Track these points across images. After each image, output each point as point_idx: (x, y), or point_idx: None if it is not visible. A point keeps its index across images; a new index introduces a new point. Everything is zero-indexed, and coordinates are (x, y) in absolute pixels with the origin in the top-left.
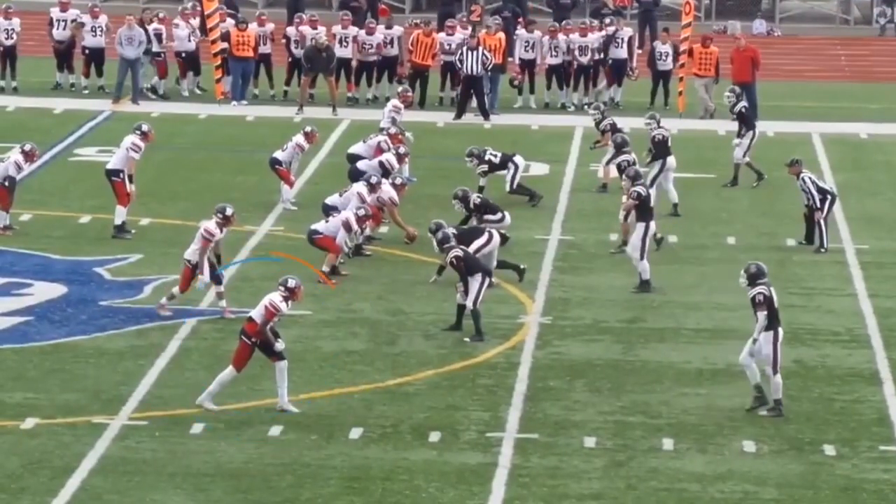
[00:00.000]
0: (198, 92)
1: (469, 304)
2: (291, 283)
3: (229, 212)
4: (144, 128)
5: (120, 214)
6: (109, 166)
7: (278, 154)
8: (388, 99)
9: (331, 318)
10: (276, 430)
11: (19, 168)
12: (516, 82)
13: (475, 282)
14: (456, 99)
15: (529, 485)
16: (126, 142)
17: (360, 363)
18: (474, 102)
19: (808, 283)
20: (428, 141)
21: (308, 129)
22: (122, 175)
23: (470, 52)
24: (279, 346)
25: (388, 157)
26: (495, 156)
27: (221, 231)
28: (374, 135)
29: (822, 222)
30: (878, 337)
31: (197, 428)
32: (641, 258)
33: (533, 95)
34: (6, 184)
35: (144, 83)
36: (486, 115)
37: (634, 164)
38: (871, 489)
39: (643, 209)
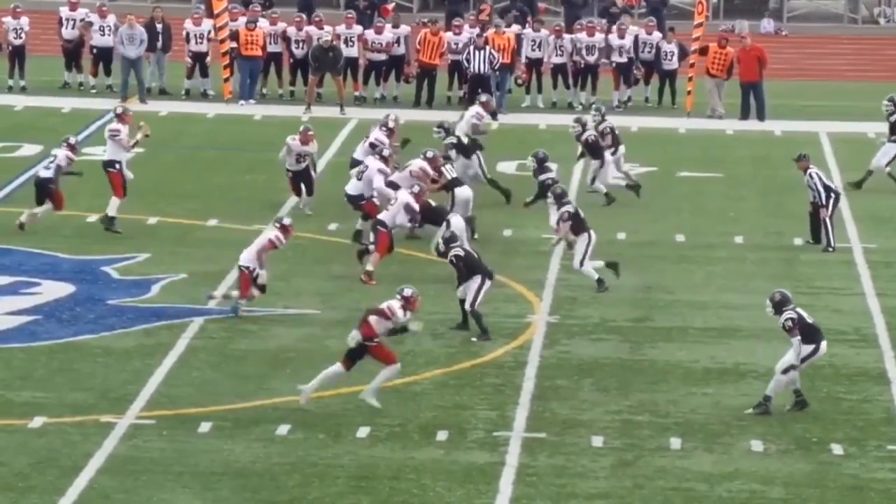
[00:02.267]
0: (211, 93)
1: (467, 306)
2: (408, 291)
3: (287, 222)
4: (119, 110)
5: (114, 206)
6: (105, 158)
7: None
8: (395, 98)
9: (340, 317)
10: (283, 429)
11: (70, 161)
12: (520, 81)
13: (474, 283)
14: (464, 98)
15: (537, 484)
16: (106, 132)
17: (368, 362)
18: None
19: (816, 283)
20: (435, 140)
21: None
22: (118, 166)
23: (477, 52)
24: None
25: (378, 135)
26: (462, 140)
27: (286, 240)
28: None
29: (827, 221)
30: (885, 336)
31: (204, 427)
32: (581, 266)
33: (541, 95)
34: (54, 186)
35: (153, 82)
36: (493, 115)
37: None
38: (879, 488)
39: (578, 224)
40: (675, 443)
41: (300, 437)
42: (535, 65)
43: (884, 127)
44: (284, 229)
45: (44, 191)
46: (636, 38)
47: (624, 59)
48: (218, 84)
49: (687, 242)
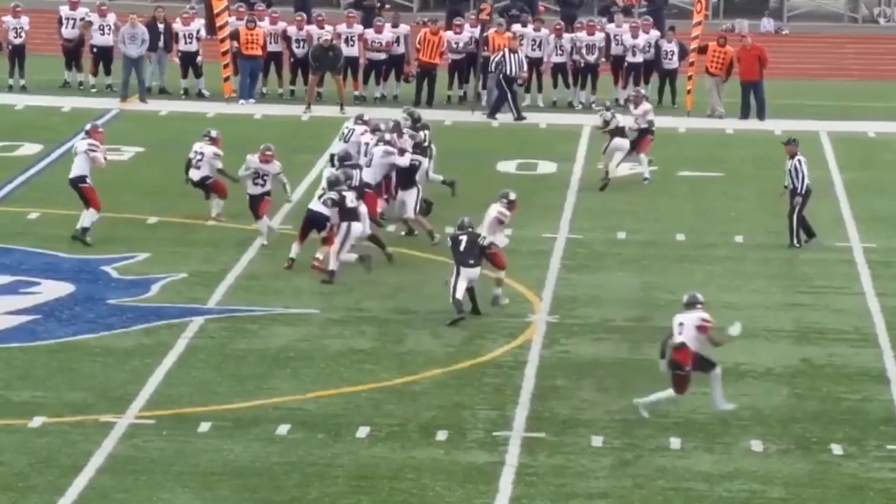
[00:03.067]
0: (206, 93)
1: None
2: (697, 296)
3: (513, 196)
4: (87, 127)
5: (90, 217)
6: (72, 175)
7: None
8: (395, 97)
9: (338, 317)
10: (283, 429)
11: (217, 156)
12: (520, 81)
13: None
14: (473, 96)
15: (536, 483)
16: (82, 146)
17: (368, 362)
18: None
19: (817, 282)
20: (437, 139)
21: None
22: (88, 180)
23: (511, 55)
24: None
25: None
26: (425, 141)
27: (510, 213)
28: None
29: (794, 218)
30: (885, 336)
31: (204, 427)
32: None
33: (541, 94)
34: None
35: (154, 81)
36: (491, 115)
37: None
38: (878, 488)
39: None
40: (675, 442)
41: (300, 436)
42: (535, 64)
43: (882, 127)
44: (511, 204)
45: (206, 188)
46: (607, 36)
47: (639, 59)
48: (214, 83)
49: (687, 242)
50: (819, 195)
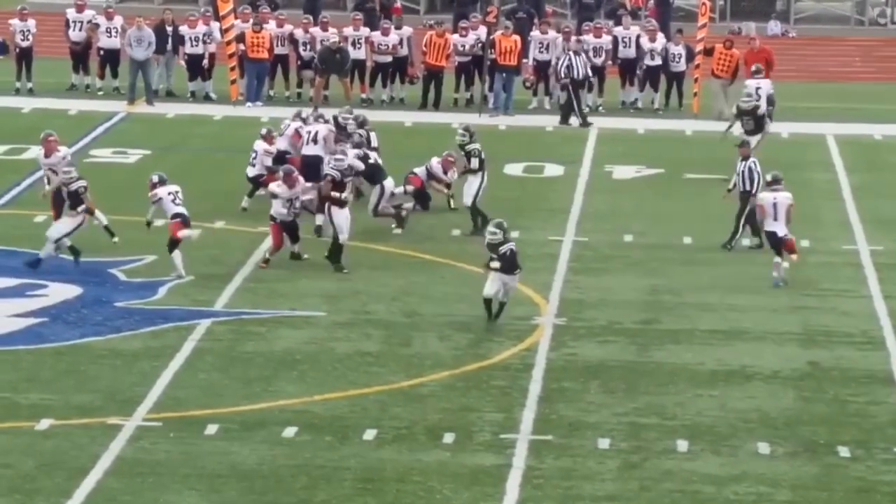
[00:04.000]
0: (213, 96)
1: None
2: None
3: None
4: (42, 135)
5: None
6: (51, 188)
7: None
8: (402, 100)
9: (345, 320)
10: (290, 432)
11: (269, 154)
12: (528, 84)
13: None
14: (479, 99)
15: (543, 486)
16: (51, 162)
17: (375, 364)
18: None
19: (823, 285)
20: (442, 141)
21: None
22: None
23: (576, 57)
24: None
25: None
26: (374, 160)
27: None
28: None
29: (741, 221)
30: (893, 338)
31: (211, 429)
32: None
33: (548, 97)
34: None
35: (161, 84)
36: (584, 121)
37: None
38: (886, 491)
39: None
40: (682, 445)
41: (307, 439)
42: (542, 67)
43: (889, 129)
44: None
45: (257, 185)
46: (615, 39)
47: (657, 62)
48: (221, 86)
49: (694, 245)
50: (826, 197)
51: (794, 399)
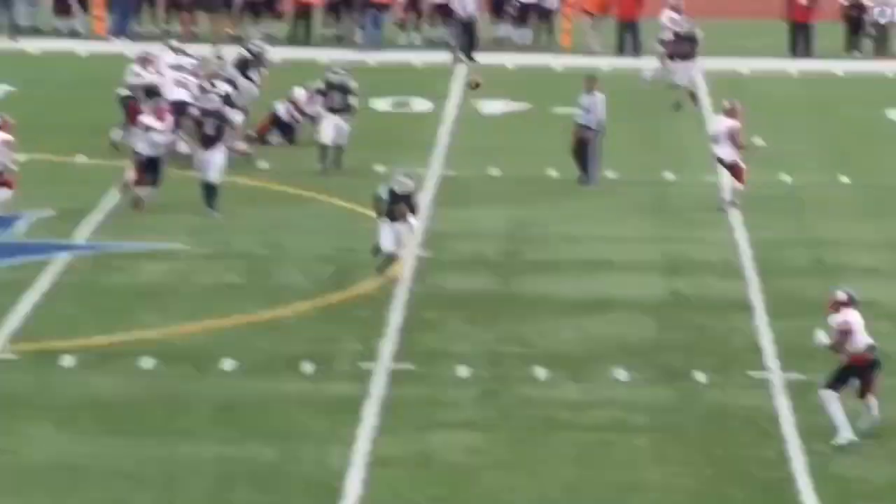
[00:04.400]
0: (80, 31)
1: None
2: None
3: None
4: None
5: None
6: None
7: None
8: (270, 36)
9: (207, 253)
10: (149, 363)
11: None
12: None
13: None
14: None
15: (402, 414)
16: None
17: (236, 297)
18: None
19: (686, 215)
20: (311, 78)
21: None
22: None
23: None
24: None
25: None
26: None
27: None
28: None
29: (594, 154)
30: (752, 267)
31: (68, 361)
32: None
33: (417, 32)
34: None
35: (26, 21)
36: (469, 57)
37: None
38: (740, 414)
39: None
40: (542, 373)
41: (165, 370)
42: (414, 3)
43: (757, 63)
44: None
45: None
46: None
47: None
48: (90, 21)
49: (560, 178)
50: (695, 132)
51: (654, 327)
